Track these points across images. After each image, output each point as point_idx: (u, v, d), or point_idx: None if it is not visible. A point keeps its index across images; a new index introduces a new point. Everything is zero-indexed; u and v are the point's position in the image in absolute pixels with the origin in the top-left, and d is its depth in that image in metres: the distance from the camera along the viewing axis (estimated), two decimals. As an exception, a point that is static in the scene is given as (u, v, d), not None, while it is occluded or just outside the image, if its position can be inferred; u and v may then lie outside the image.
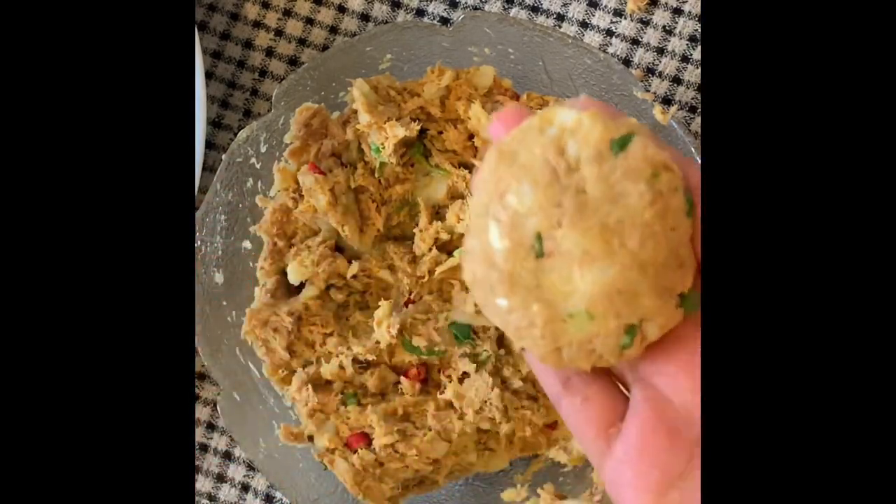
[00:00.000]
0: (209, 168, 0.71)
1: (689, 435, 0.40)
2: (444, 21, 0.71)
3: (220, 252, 0.66)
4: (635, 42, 0.71)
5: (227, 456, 0.70)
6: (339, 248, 0.65)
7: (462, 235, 0.64)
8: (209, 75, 0.72)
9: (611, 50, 0.71)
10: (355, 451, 0.62)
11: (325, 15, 0.72)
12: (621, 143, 0.35)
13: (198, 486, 0.69)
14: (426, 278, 0.64)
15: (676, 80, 0.71)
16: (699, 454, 0.40)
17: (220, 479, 0.70)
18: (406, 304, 0.64)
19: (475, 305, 0.63)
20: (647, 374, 0.40)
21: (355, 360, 0.63)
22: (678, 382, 0.40)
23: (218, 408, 0.65)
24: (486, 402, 0.63)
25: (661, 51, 0.71)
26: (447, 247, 0.65)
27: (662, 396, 0.40)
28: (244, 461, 0.70)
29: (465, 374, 0.64)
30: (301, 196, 0.64)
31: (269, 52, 0.72)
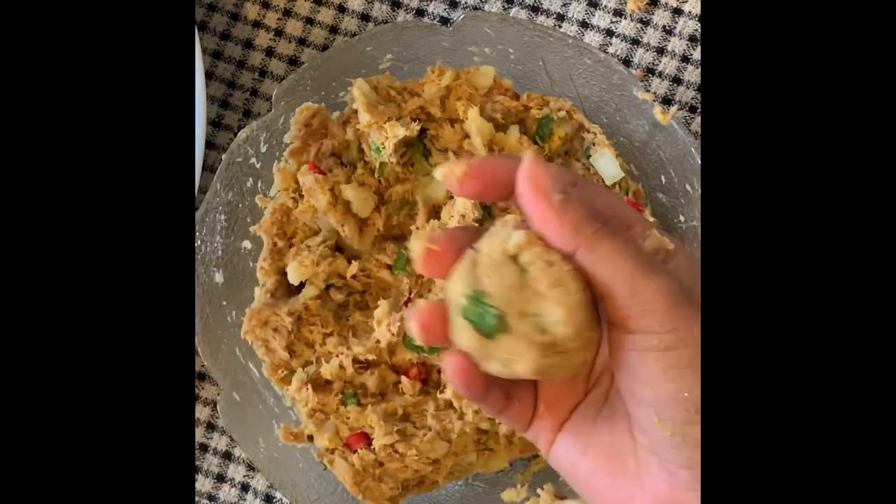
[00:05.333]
0: (209, 168, 0.71)
1: None
2: (444, 21, 0.71)
3: (220, 252, 0.66)
4: (635, 42, 0.71)
5: (227, 456, 0.70)
6: (339, 248, 0.65)
7: None
8: (209, 75, 0.72)
9: (611, 50, 0.71)
10: (355, 451, 0.62)
11: (325, 15, 0.72)
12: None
13: (198, 486, 0.69)
14: (425, 277, 0.64)
15: (676, 80, 0.71)
16: None
17: (220, 479, 0.70)
18: (406, 304, 0.64)
19: None
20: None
21: (355, 360, 0.63)
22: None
23: (218, 408, 0.65)
24: (486, 402, 0.63)
25: (661, 51, 0.71)
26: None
27: None
28: (244, 461, 0.70)
29: (465, 374, 0.64)
30: (301, 196, 0.64)
31: (269, 52, 0.72)
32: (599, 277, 0.44)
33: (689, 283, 0.45)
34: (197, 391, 0.70)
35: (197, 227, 0.65)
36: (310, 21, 0.72)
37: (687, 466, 0.44)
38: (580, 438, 0.48)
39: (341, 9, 0.72)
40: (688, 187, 0.65)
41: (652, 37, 0.71)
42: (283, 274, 0.65)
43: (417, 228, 0.64)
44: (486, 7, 0.72)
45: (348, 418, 0.63)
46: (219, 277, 0.66)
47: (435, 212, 0.65)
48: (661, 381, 0.43)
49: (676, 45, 0.71)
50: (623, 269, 0.43)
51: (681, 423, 0.43)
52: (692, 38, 0.71)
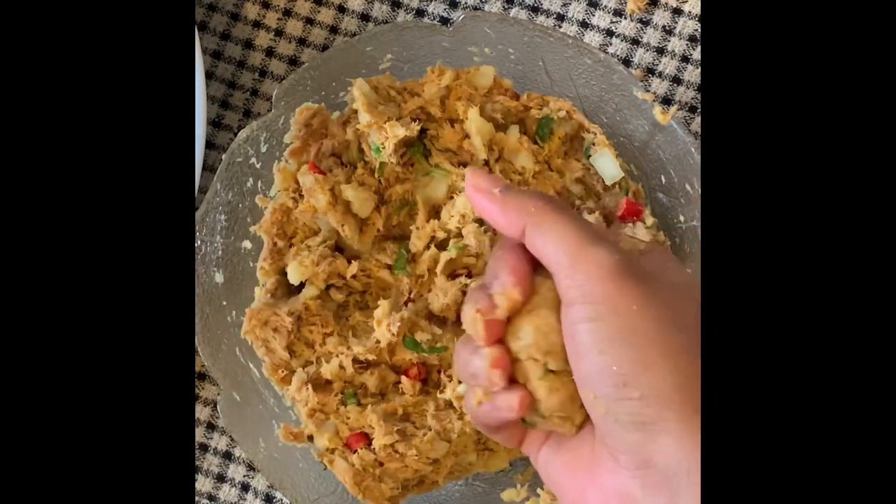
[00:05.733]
0: (209, 168, 0.71)
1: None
2: (444, 21, 0.71)
3: (220, 252, 0.66)
4: (635, 42, 0.71)
5: (227, 456, 0.70)
6: (339, 248, 0.65)
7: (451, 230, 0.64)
8: (209, 75, 0.72)
9: (611, 50, 0.71)
10: (355, 451, 0.62)
11: (325, 15, 0.72)
12: None
13: (198, 486, 0.69)
14: (425, 277, 0.64)
15: (676, 80, 0.71)
16: None
17: (220, 479, 0.70)
18: (406, 304, 0.64)
19: None
20: None
21: (355, 360, 0.63)
22: None
23: (218, 408, 0.65)
24: (485, 402, 0.63)
25: (661, 51, 0.71)
26: (444, 245, 0.65)
27: None
28: (244, 461, 0.70)
29: (465, 374, 0.64)
30: (301, 196, 0.64)
31: (269, 52, 0.72)
32: (545, 253, 0.45)
33: (657, 271, 0.46)
34: (197, 391, 0.70)
35: (197, 227, 0.65)
36: (310, 21, 0.72)
37: (624, 451, 0.44)
38: (557, 438, 0.49)
39: (341, 9, 0.72)
40: (688, 187, 0.65)
41: (652, 37, 0.71)
42: (283, 274, 0.65)
43: (417, 228, 0.64)
44: (486, 7, 0.72)
45: (348, 418, 0.63)
46: (219, 277, 0.66)
47: (435, 212, 0.65)
48: (592, 354, 0.43)
49: (676, 45, 0.71)
50: (566, 240, 0.44)
51: (612, 399, 0.44)
52: (692, 38, 0.71)
